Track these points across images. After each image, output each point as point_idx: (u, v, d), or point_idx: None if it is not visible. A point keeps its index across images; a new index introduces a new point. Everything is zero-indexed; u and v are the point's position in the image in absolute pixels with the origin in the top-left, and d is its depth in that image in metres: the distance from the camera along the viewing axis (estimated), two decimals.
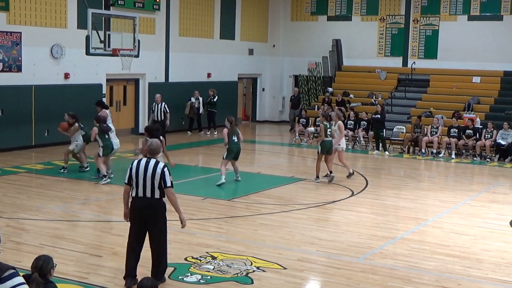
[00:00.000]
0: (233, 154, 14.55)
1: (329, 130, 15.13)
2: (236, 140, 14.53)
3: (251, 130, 27.20)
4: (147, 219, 7.64)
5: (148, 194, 7.56)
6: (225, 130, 14.45)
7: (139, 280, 7.61)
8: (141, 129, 22.80)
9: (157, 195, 7.57)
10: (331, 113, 16.70)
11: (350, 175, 15.71)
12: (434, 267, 8.96)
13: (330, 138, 15.14)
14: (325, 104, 23.85)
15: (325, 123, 15.11)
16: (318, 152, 15.20)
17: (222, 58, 26.50)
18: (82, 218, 11.32)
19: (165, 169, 7.59)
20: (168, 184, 7.56)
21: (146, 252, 7.79)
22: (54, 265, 5.51)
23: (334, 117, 15.82)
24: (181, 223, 7.84)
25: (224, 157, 14.51)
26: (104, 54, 16.50)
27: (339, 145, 15.60)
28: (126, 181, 7.74)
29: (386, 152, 20.22)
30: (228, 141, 14.36)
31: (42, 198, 12.63)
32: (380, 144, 20.64)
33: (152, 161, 7.62)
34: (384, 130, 20.87)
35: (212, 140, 22.07)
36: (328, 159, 15.17)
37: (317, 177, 15.20)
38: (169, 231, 7.92)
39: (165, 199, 7.73)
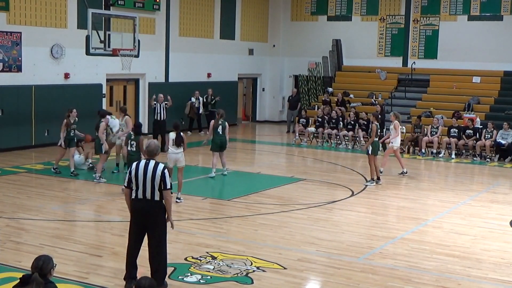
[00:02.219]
0: (216, 145, 15.14)
1: (378, 130, 15.27)
2: (220, 132, 15.09)
3: (251, 130, 27.20)
4: (147, 221, 7.61)
5: (148, 196, 7.54)
6: (212, 122, 15.26)
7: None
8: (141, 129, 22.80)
9: (157, 197, 7.54)
10: (390, 113, 16.91)
11: (403, 173, 16.24)
12: (434, 267, 8.96)
13: (377, 139, 15.20)
14: (326, 105, 23.83)
15: (375, 123, 15.09)
16: (369, 153, 14.95)
17: (222, 58, 26.50)
18: (82, 218, 11.32)
19: (165, 170, 7.58)
20: (168, 186, 7.54)
21: (146, 252, 7.77)
22: (54, 265, 5.51)
23: (392, 117, 16.19)
24: (171, 225, 7.81)
25: (210, 148, 15.30)
26: (104, 54, 16.49)
27: (392, 143, 16.01)
28: (125, 184, 7.72)
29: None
30: (213, 132, 15.10)
31: (42, 198, 12.62)
32: (380, 144, 20.62)
33: (152, 163, 7.60)
34: (384, 130, 20.87)
35: None
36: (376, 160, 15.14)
37: (378, 178, 15.07)
38: (169, 231, 7.91)
39: None
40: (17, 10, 18.45)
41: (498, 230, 11.27)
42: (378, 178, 15.12)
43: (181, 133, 12.96)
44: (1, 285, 7.54)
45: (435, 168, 18.54)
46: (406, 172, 16.25)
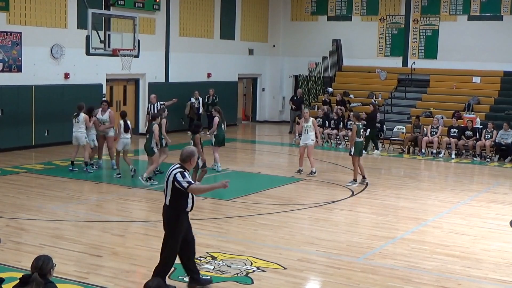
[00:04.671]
0: (219, 140, 15.86)
1: (362, 130, 15.26)
2: (223, 128, 15.96)
3: (251, 130, 27.20)
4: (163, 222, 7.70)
5: (165, 199, 7.63)
6: (216, 119, 15.77)
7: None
8: (141, 129, 22.80)
9: (167, 201, 7.55)
10: (305, 110, 16.77)
11: (300, 171, 16.05)
12: (434, 267, 8.96)
13: (361, 139, 15.13)
14: (325, 106, 23.81)
15: (357, 123, 14.97)
16: (351, 154, 14.80)
17: (222, 58, 26.50)
18: (82, 218, 11.31)
19: (177, 174, 7.38)
20: (185, 185, 7.36)
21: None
22: (54, 265, 5.52)
23: (306, 115, 16.06)
24: (224, 186, 7.52)
25: (213, 143, 15.90)
26: (104, 54, 16.48)
27: (312, 140, 15.84)
28: None
29: (376, 151, 20.19)
30: (216, 129, 15.77)
31: (42, 198, 12.62)
32: (379, 143, 20.65)
33: (171, 168, 7.56)
34: (376, 128, 20.78)
35: None
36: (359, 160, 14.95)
37: (364, 177, 14.94)
38: None
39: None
40: (17, 10, 18.45)
41: (498, 230, 11.27)
42: (364, 177, 14.98)
43: (128, 121, 14.85)
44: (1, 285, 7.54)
45: (435, 168, 18.53)
46: (315, 173, 15.87)
